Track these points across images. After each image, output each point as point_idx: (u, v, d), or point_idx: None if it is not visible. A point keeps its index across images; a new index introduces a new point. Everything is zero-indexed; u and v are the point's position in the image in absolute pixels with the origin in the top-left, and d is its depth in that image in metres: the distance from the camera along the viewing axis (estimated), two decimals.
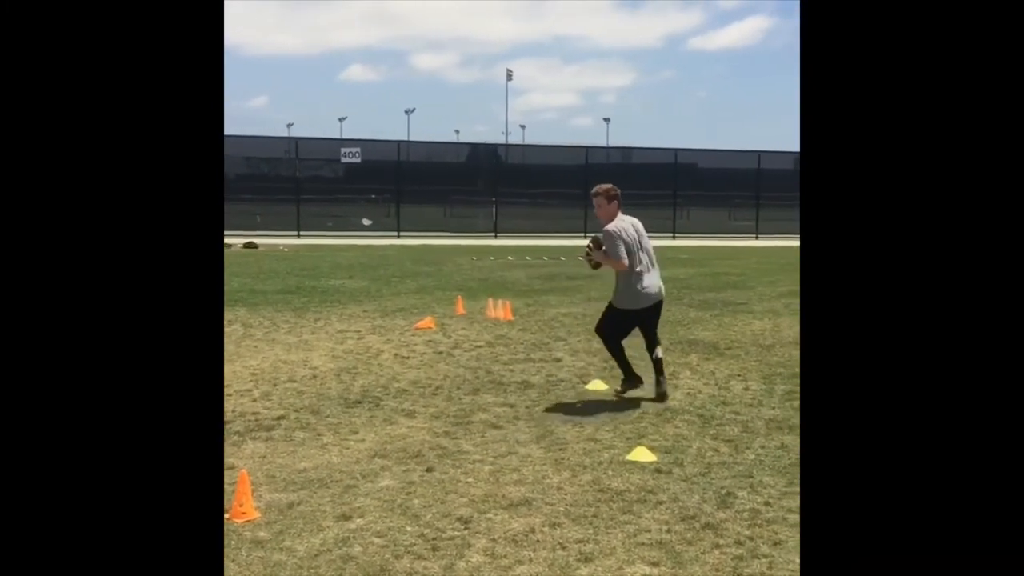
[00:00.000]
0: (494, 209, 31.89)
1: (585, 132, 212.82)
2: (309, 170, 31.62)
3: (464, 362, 8.06)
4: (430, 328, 9.85)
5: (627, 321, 6.69)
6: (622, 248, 6.43)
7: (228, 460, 4.98)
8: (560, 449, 5.36)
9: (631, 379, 6.76)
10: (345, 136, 55.93)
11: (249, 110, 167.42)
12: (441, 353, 8.47)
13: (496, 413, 6.22)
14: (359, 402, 6.49)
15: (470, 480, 4.74)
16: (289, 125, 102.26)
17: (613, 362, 8.06)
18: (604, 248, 6.52)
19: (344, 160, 30.66)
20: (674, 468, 5.00)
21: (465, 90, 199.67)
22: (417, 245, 25.25)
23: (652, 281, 6.59)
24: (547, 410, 6.34)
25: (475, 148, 37.26)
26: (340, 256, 20.39)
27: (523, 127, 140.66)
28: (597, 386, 7.10)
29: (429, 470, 4.92)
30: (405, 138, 44.32)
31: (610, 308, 6.74)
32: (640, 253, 6.52)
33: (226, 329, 9.54)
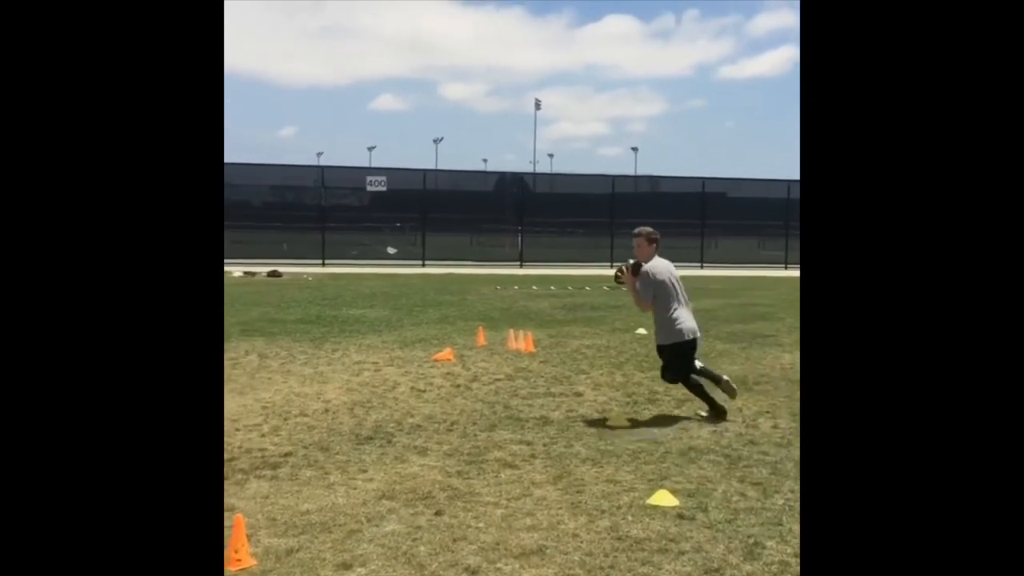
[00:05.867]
0: (520, 238, 31.70)
1: (613, 161, 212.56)
2: (335, 198, 31.66)
3: (482, 396, 7.81)
4: (449, 360, 9.62)
5: (683, 353, 6.98)
6: (651, 290, 6.93)
7: (229, 501, 4.76)
8: (578, 491, 5.08)
9: (716, 411, 7.00)
10: (374, 165, 56.22)
11: (278, 140, 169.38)
12: (459, 386, 8.22)
13: (512, 451, 5.96)
14: (371, 438, 6.26)
15: (480, 525, 4.48)
16: (319, 154, 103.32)
17: (635, 396, 7.80)
18: (637, 282, 6.99)
19: (370, 188, 30.67)
20: (698, 514, 4.71)
21: (493, 119, 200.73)
22: (441, 274, 25.11)
23: (686, 316, 7.04)
24: (566, 448, 6.07)
25: (502, 177, 37.15)
26: (363, 285, 20.27)
27: (551, 156, 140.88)
28: (619, 422, 6.81)
29: (438, 513, 4.66)
30: (433, 167, 44.33)
31: (661, 352, 7.12)
32: (676, 292, 7.01)
33: (241, 360, 9.38)
